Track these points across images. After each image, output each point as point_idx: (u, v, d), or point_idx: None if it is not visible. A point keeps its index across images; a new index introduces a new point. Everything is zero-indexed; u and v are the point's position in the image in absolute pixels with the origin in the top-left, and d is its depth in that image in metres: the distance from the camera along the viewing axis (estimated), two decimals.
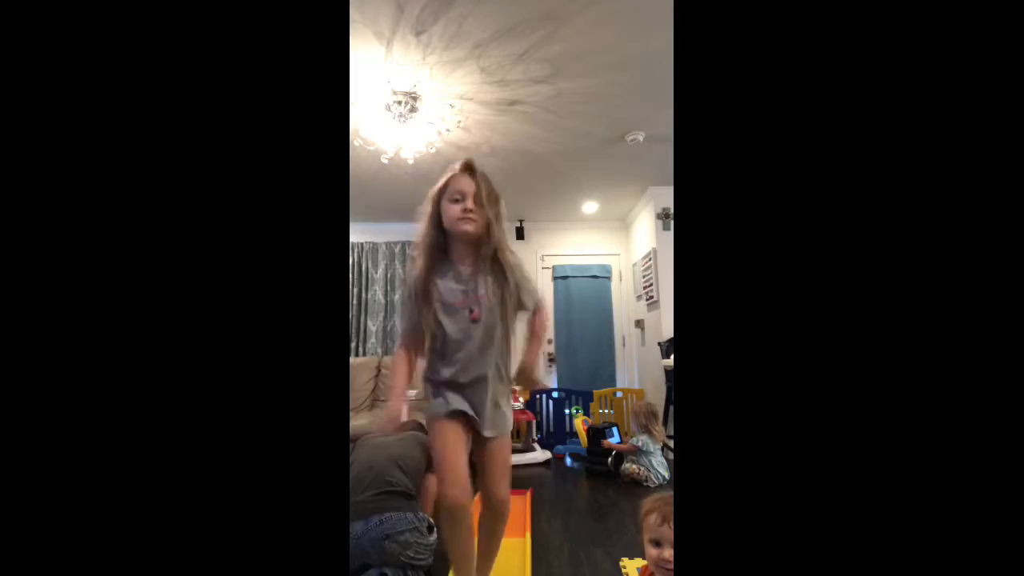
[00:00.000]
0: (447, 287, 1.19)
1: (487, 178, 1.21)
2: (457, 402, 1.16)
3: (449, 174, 1.22)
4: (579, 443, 3.33)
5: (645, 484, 2.55)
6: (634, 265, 4.34)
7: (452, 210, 1.17)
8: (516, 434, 3.73)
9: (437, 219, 1.21)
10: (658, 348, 3.59)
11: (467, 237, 1.18)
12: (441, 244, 1.22)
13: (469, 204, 1.15)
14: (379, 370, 3.57)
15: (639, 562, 1.57)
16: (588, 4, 1.87)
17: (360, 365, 3.54)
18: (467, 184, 1.17)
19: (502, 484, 1.24)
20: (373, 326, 4.14)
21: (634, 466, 2.62)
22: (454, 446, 1.15)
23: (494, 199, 1.20)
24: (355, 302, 4.14)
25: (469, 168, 1.20)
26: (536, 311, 1.26)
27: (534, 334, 1.27)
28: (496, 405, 1.20)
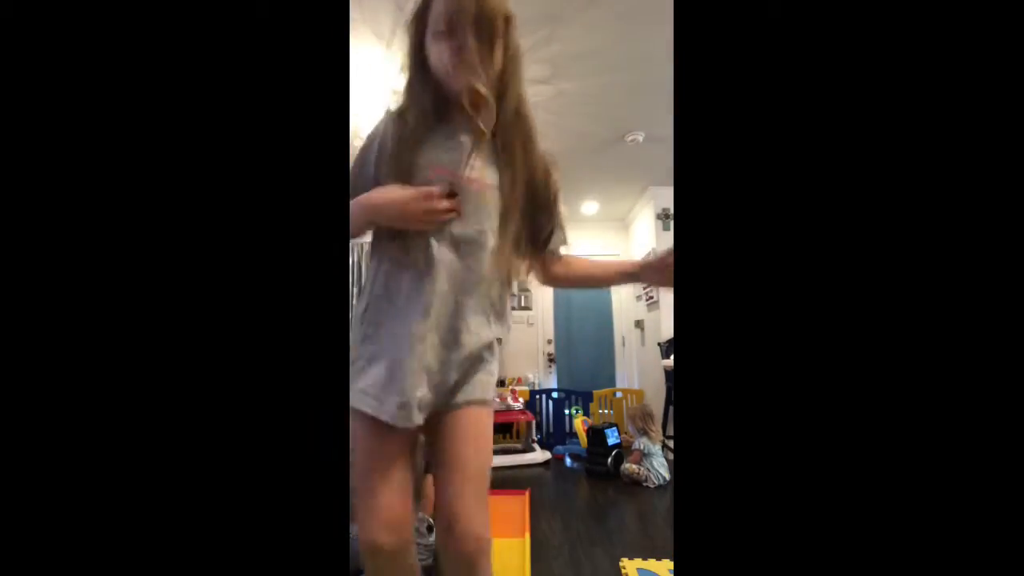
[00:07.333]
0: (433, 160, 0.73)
1: None
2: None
3: None
4: (579, 443, 3.33)
5: (645, 484, 2.55)
6: None
7: (439, 52, 0.69)
8: (516, 434, 3.74)
9: (422, 63, 0.72)
10: (658, 348, 3.60)
11: (460, 96, 0.70)
12: (428, 105, 0.73)
13: (467, 40, 0.67)
14: None
15: (639, 562, 1.57)
16: (588, 4, 1.88)
17: None
18: (457, 2, 0.66)
19: (470, 506, 0.71)
20: None
21: (634, 466, 2.62)
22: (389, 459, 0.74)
23: (505, 25, 0.69)
24: (355, 302, 4.14)
25: None
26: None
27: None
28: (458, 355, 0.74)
